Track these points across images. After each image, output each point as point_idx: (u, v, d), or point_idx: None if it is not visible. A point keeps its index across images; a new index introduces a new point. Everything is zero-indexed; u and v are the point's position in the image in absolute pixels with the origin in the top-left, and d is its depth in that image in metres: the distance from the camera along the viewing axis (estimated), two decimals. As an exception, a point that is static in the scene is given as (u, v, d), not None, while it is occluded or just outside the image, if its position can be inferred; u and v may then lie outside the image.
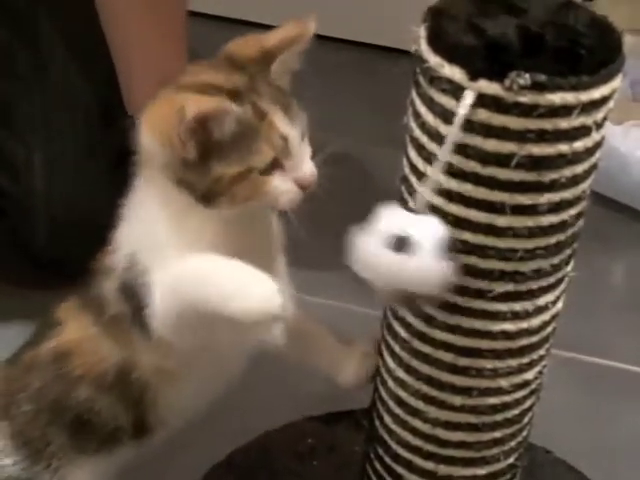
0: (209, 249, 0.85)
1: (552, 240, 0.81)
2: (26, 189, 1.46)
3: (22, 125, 1.46)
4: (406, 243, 0.75)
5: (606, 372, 1.48)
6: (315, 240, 1.65)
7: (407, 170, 0.83)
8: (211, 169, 0.81)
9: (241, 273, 0.82)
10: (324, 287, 1.54)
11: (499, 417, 0.91)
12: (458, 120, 0.74)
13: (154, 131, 0.83)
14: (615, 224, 1.76)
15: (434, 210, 0.80)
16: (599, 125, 0.76)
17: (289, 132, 0.83)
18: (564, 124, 0.74)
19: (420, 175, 0.80)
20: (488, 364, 0.87)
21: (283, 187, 0.83)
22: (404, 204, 0.84)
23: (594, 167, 0.80)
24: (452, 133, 0.74)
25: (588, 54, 0.75)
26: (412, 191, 0.82)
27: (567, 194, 0.78)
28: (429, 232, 0.76)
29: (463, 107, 0.73)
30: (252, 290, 0.81)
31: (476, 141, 0.75)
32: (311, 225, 1.69)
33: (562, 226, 0.80)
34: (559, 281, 0.85)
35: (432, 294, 0.78)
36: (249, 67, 0.85)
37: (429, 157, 0.79)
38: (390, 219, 0.77)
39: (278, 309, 0.80)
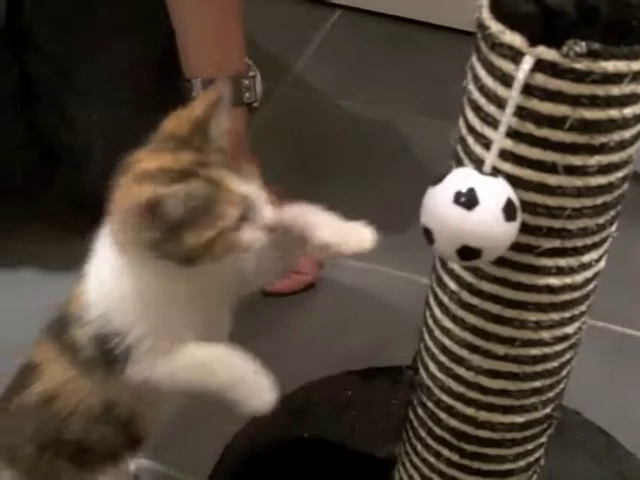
0: (184, 303, 0.94)
1: (599, 200, 0.85)
2: (85, 143, 1.52)
3: (85, 86, 1.51)
4: (470, 199, 0.80)
5: (634, 341, 1.53)
6: (355, 205, 1.72)
7: (464, 131, 0.88)
8: (185, 240, 0.88)
9: (243, 373, 0.96)
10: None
11: (539, 368, 0.95)
12: (517, 84, 0.79)
13: (122, 221, 0.90)
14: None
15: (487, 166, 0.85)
16: (648, 93, 0.81)
17: (246, 189, 0.90)
18: (615, 91, 0.78)
19: (478, 135, 0.85)
20: (532, 316, 0.91)
21: (252, 237, 0.91)
22: (459, 163, 0.89)
23: (641, 133, 0.84)
24: (513, 96, 0.79)
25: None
26: (469, 150, 0.87)
27: (615, 157, 0.83)
28: (495, 191, 0.81)
29: (522, 72, 0.78)
30: (254, 395, 0.96)
31: (532, 104, 0.80)
32: (351, 191, 1.75)
33: (609, 187, 0.85)
34: (603, 240, 0.89)
35: (494, 251, 0.83)
36: (192, 140, 0.92)
37: (486, 118, 0.84)
38: (460, 176, 0.82)
39: (272, 406, 0.95)
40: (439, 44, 2.12)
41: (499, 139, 0.82)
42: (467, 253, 0.82)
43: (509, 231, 0.82)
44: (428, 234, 0.84)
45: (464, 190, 0.80)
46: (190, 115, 0.93)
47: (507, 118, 0.81)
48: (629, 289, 1.62)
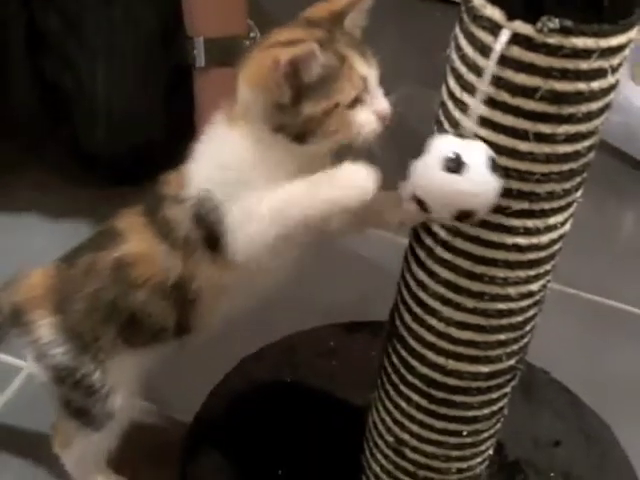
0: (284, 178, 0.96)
1: (565, 167, 0.91)
2: (89, 95, 1.57)
3: (90, 38, 1.56)
4: (458, 164, 0.86)
5: (607, 311, 1.60)
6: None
7: (445, 97, 0.94)
8: (303, 110, 0.93)
9: (333, 176, 0.95)
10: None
11: (505, 321, 1.01)
12: (495, 55, 0.85)
13: (252, 83, 0.95)
14: (630, 178, 1.86)
15: (467, 132, 0.91)
16: (614, 69, 0.86)
17: (367, 72, 0.95)
18: (584, 65, 0.84)
19: (457, 101, 0.91)
20: (500, 273, 0.97)
21: (366, 119, 0.95)
22: (440, 126, 0.95)
23: (607, 106, 0.90)
24: (490, 66, 0.85)
25: (610, 7, 0.84)
26: (448, 115, 0.94)
27: (582, 127, 0.89)
28: (478, 152, 0.87)
29: (499, 43, 0.84)
30: (355, 184, 0.94)
31: (507, 74, 0.85)
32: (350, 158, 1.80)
33: (575, 155, 0.91)
34: (569, 205, 0.95)
35: (481, 210, 0.89)
36: (324, 24, 0.97)
37: (466, 86, 0.90)
38: (443, 144, 0.88)
39: (374, 181, 0.93)
40: (438, 14, 2.17)
41: (477, 105, 0.88)
42: (463, 215, 0.89)
43: (496, 185, 0.88)
44: (421, 204, 0.90)
45: (451, 157, 0.86)
46: (330, 7, 0.98)
47: (484, 85, 0.87)
48: (604, 260, 1.69)
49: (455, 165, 0.87)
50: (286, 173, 0.96)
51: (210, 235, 1.00)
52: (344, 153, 0.98)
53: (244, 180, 0.97)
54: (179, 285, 1.03)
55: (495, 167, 0.88)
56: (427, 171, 0.88)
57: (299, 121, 0.93)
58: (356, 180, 0.94)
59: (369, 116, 0.95)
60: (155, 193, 1.04)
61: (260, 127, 0.96)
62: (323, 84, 0.92)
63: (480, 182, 0.88)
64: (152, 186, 1.06)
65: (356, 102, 0.94)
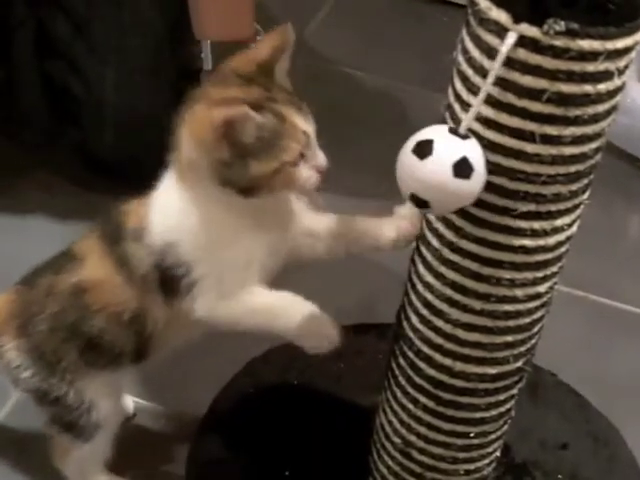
0: (246, 233, 1.01)
1: (572, 169, 0.91)
2: (97, 99, 1.58)
3: (99, 42, 1.57)
4: (427, 150, 0.86)
5: (614, 312, 1.60)
6: (351, 170, 1.78)
7: (452, 98, 0.94)
8: (250, 168, 0.95)
9: (309, 317, 1.04)
10: (367, 214, 1.67)
11: (511, 323, 1.01)
12: (501, 56, 0.85)
13: (194, 141, 0.97)
14: (638, 180, 1.86)
15: (472, 134, 0.92)
16: (621, 72, 0.86)
17: (307, 128, 0.98)
18: (590, 67, 0.84)
19: (463, 103, 0.92)
20: (507, 274, 0.97)
21: (308, 175, 0.99)
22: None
23: (614, 108, 0.90)
24: (495, 67, 0.86)
25: (617, 10, 0.85)
26: (455, 117, 0.94)
27: (588, 129, 0.89)
28: (453, 147, 0.87)
29: (506, 46, 0.85)
30: (320, 335, 1.05)
31: (514, 76, 0.86)
32: (351, 157, 1.81)
33: (582, 157, 0.91)
34: (575, 206, 0.96)
35: (443, 205, 0.90)
36: (258, 79, 0.98)
37: (472, 88, 0.90)
38: (429, 131, 0.89)
39: (335, 344, 1.04)
40: (445, 18, 2.17)
41: (477, 104, 0.88)
42: (417, 201, 0.89)
43: (459, 188, 0.87)
44: (420, 201, 0.89)
45: (423, 140, 0.87)
46: (256, 57, 0.99)
47: (487, 86, 0.87)
48: (611, 262, 1.69)
49: (421, 149, 0.87)
50: (242, 226, 1.01)
51: (167, 283, 1.04)
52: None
53: (205, 243, 1.01)
54: (135, 316, 1.07)
55: (464, 169, 0.88)
56: (435, 175, 0.88)
57: (247, 177, 0.96)
58: (322, 334, 1.05)
59: (310, 172, 0.99)
60: (115, 222, 1.07)
61: (206, 182, 0.98)
62: (268, 144, 0.95)
63: (438, 175, 0.88)
64: (111, 211, 1.09)
65: (299, 158, 0.98)
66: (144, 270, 1.04)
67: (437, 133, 0.89)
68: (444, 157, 0.87)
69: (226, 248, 1.01)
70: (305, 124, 0.98)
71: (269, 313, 1.04)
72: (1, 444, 1.33)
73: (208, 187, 0.98)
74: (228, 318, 1.04)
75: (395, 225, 1.07)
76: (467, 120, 0.89)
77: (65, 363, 1.09)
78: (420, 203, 0.89)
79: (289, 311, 1.04)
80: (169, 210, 1.03)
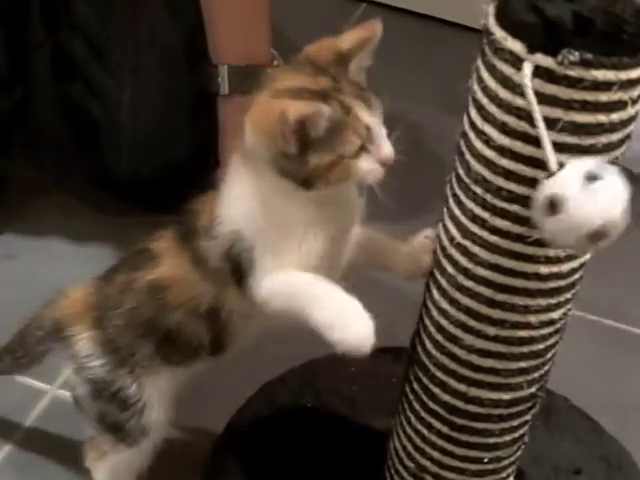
0: (305, 225, 1.00)
1: (587, 197, 0.92)
2: (114, 120, 1.59)
3: (115, 63, 1.58)
4: (595, 176, 0.82)
5: (626, 336, 1.60)
6: (369, 195, 1.79)
7: (467, 127, 0.95)
8: (309, 160, 0.95)
9: (346, 307, 0.99)
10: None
11: (526, 349, 1.02)
12: (528, 89, 0.84)
13: (259, 132, 0.96)
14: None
15: (487, 162, 0.93)
16: (634, 101, 0.87)
17: (371, 122, 0.97)
18: (604, 97, 0.85)
19: (479, 132, 0.93)
20: (521, 301, 0.98)
21: (369, 167, 0.98)
22: (461, 156, 0.96)
23: (627, 137, 0.91)
24: (533, 102, 0.85)
25: (630, 40, 0.85)
26: (470, 145, 0.95)
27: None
28: (587, 162, 0.83)
29: (527, 77, 0.85)
30: (352, 328, 0.98)
31: (529, 105, 0.87)
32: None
33: (596, 184, 0.92)
34: (590, 234, 0.97)
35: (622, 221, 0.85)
36: (330, 69, 0.98)
37: (487, 116, 0.91)
38: (563, 185, 0.83)
39: (368, 349, 0.98)
40: (461, 42, 2.18)
41: (546, 139, 0.86)
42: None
43: (554, 225, 0.84)
44: (599, 234, 0.84)
45: (587, 175, 0.83)
46: (336, 46, 0.99)
47: (542, 126, 0.85)
48: (624, 286, 1.69)
49: (595, 178, 0.82)
50: (301, 214, 1.00)
51: (237, 271, 1.04)
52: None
53: (271, 228, 1.01)
54: (212, 309, 1.07)
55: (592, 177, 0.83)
56: (583, 205, 0.83)
57: (305, 170, 0.96)
58: (357, 333, 0.98)
59: (372, 164, 0.97)
60: (188, 221, 1.07)
61: (267, 171, 0.98)
62: (329, 136, 0.94)
63: (612, 192, 0.84)
64: (184, 212, 1.09)
65: (360, 151, 0.97)
66: (216, 262, 1.04)
67: (547, 186, 0.85)
68: (571, 191, 0.83)
69: (283, 232, 1.01)
70: (369, 117, 0.97)
71: (306, 295, 1.01)
72: (32, 446, 1.35)
73: (269, 175, 0.98)
74: (276, 296, 1.02)
75: (411, 253, 1.07)
76: (550, 155, 0.86)
77: (138, 357, 1.10)
78: (599, 236, 0.85)
79: (327, 296, 1.00)
80: (233, 199, 1.03)
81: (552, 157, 0.85)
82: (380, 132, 0.98)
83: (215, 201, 1.05)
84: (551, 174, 0.85)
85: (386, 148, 0.98)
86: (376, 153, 0.97)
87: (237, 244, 1.02)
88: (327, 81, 0.97)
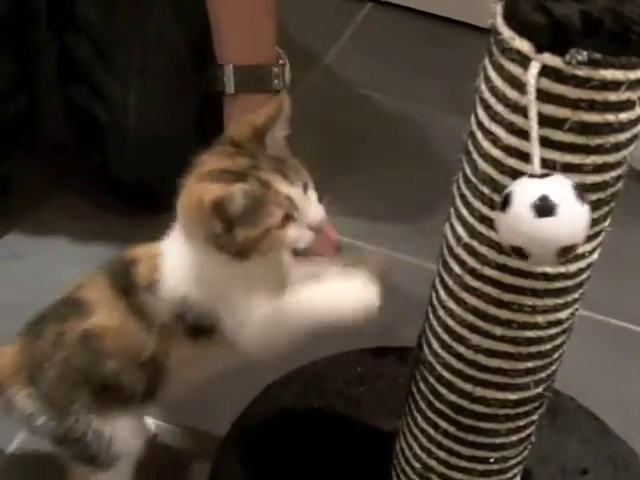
0: (258, 282, 1.04)
1: (593, 197, 0.91)
2: (119, 122, 1.59)
3: (120, 66, 1.58)
4: (549, 206, 0.82)
5: (634, 336, 1.60)
6: (374, 194, 1.79)
7: (474, 126, 0.95)
8: (237, 236, 0.99)
9: (337, 290, 1.06)
10: (384, 238, 1.68)
11: (533, 349, 1.02)
12: (531, 88, 0.85)
13: (187, 216, 1.02)
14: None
15: (494, 162, 0.92)
16: (643, 101, 0.87)
17: (290, 192, 1.01)
18: (612, 97, 0.85)
19: (486, 132, 0.92)
20: (528, 301, 0.97)
21: (297, 235, 1.02)
22: (469, 155, 0.96)
23: (635, 137, 0.90)
24: (531, 101, 0.85)
25: (638, 39, 0.85)
26: (477, 145, 0.95)
27: (610, 158, 0.89)
28: (562, 188, 0.84)
29: (532, 76, 0.85)
30: (354, 299, 1.04)
31: (536, 105, 0.86)
32: (372, 181, 1.82)
33: (603, 185, 0.91)
34: (597, 234, 0.96)
35: (581, 240, 0.85)
36: (248, 146, 1.03)
37: (494, 116, 0.91)
38: (524, 190, 0.84)
39: (376, 299, 1.04)
40: (466, 42, 2.18)
41: (534, 141, 0.86)
42: (518, 253, 0.86)
43: (546, 227, 0.84)
44: (519, 252, 0.86)
45: (538, 201, 0.83)
46: (252, 123, 1.05)
47: (534, 122, 0.86)
48: (631, 286, 1.69)
49: (546, 208, 0.83)
50: (255, 282, 1.05)
51: (196, 329, 1.07)
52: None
53: (218, 292, 1.05)
54: (151, 359, 1.08)
55: (581, 195, 0.84)
56: (519, 221, 0.84)
57: (236, 244, 1.00)
58: (364, 299, 1.04)
59: (300, 231, 1.02)
60: (125, 271, 1.09)
61: (204, 246, 1.02)
62: (251, 212, 0.99)
63: (574, 215, 0.84)
64: (117, 259, 1.11)
65: (286, 220, 1.01)
66: (164, 320, 1.07)
67: (516, 182, 0.86)
68: (522, 201, 0.84)
69: (238, 288, 1.05)
70: (289, 188, 1.01)
71: (314, 301, 1.06)
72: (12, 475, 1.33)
73: (205, 250, 1.03)
74: (280, 331, 1.06)
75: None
76: (536, 159, 0.86)
77: (77, 406, 1.11)
78: (520, 253, 0.86)
79: (326, 289, 1.06)
80: (179, 264, 1.06)
81: (537, 159, 0.86)
82: (303, 200, 1.02)
83: (153, 254, 1.08)
84: (532, 175, 0.85)
85: (312, 214, 1.03)
86: (303, 220, 1.02)
87: (190, 309, 1.05)
88: (245, 160, 1.01)
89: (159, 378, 1.10)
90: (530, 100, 0.86)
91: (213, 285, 1.05)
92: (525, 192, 0.85)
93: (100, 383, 1.09)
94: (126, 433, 1.14)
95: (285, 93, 1.44)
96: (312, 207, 1.03)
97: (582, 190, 0.84)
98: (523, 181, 0.86)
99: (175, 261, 1.07)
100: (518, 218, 0.84)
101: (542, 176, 0.85)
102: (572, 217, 0.84)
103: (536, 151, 0.86)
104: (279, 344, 1.06)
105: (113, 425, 1.12)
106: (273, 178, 1.01)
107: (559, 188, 0.84)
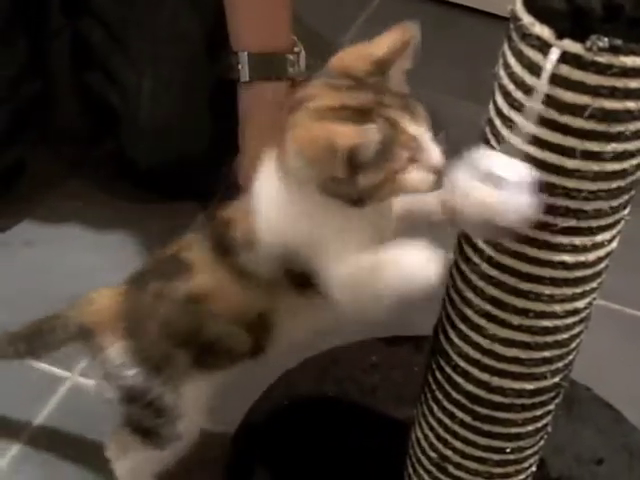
0: (358, 235, 0.97)
1: (613, 185, 0.91)
2: (133, 109, 1.58)
3: (134, 52, 1.57)
4: (499, 180, 0.86)
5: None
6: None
7: (493, 113, 0.94)
8: (359, 182, 0.91)
9: (401, 257, 0.96)
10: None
11: (550, 339, 1.01)
12: (546, 73, 0.85)
13: (305, 158, 0.91)
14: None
15: (512, 149, 0.91)
16: (664, 88, 0.86)
17: (418, 132, 0.93)
18: (633, 84, 0.84)
19: (505, 118, 0.92)
20: (546, 290, 0.97)
21: (419, 178, 0.93)
22: (487, 143, 0.95)
23: (656, 125, 0.90)
24: (542, 85, 0.85)
25: (660, 26, 0.85)
26: (495, 132, 0.94)
27: (630, 145, 0.88)
28: (518, 172, 0.87)
29: (550, 62, 0.84)
30: (417, 270, 0.95)
31: (556, 92, 0.85)
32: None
33: (623, 173, 0.90)
34: (616, 222, 0.95)
35: (516, 226, 0.88)
36: (368, 80, 0.93)
37: (514, 103, 0.90)
38: (486, 159, 0.89)
39: (439, 269, 0.94)
40: (481, 28, 2.17)
41: (526, 124, 0.88)
42: (495, 230, 0.89)
43: (533, 206, 0.88)
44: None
45: (494, 173, 0.87)
46: (372, 54, 0.94)
47: (536, 104, 0.87)
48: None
49: (495, 181, 0.87)
50: (360, 229, 0.97)
51: (301, 279, 1.00)
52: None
53: (324, 240, 0.97)
54: (258, 317, 1.04)
55: (532, 188, 0.88)
56: (468, 183, 0.89)
57: (356, 191, 0.92)
58: (422, 269, 0.94)
59: (423, 174, 0.93)
60: (220, 231, 1.04)
61: (312, 191, 0.94)
62: (379, 156, 0.90)
63: (515, 199, 0.88)
64: (213, 220, 1.06)
65: (409, 162, 0.92)
66: (266, 274, 1.01)
67: (501, 162, 0.89)
68: (519, 185, 0.87)
69: (339, 240, 0.97)
70: (416, 128, 0.93)
71: (374, 270, 0.97)
72: (50, 436, 1.35)
73: (314, 196, 0.94)
74: (346, 287, 0.98)
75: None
76: (518, 140, 0.88)
77: (175, 367, 1.08)
78: (496, 231, 0.89)
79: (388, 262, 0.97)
80: (277, 216, 0.99)
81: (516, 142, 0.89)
82: (427, 140, 0.94)
83: (247, 211, 1.01)
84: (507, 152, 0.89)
85: (434, 155, 0.93)
86: (425, 162, 0.93)
87: (294, 260, 0.99)
88: (369, 95, 0.92)
89: (266, 335, 1.05)
90: (542, 84, 0.85)
91: (314, 233, 0.96)
92: (486, 160, 0.89)
93: (204, 346, 1.06)
94: (196, 413, 1.12)
95: (300, 79, 1.43)
96: (433, 148, 0.93)
97: (538, 186, 0.88)
98: (490, 152, 0.90)
99: (273, 211, 0.99)
100: (468, 180, 0.89)
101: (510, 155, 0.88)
102: (515, 201, 0.87)
103: (527, 136, 0.88)
104: (367, 302, 0.98)
105: (191, 399, 1.10)
106: (401, 116, 0.91)
107: (519, 172, 0.87)
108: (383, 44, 0.94)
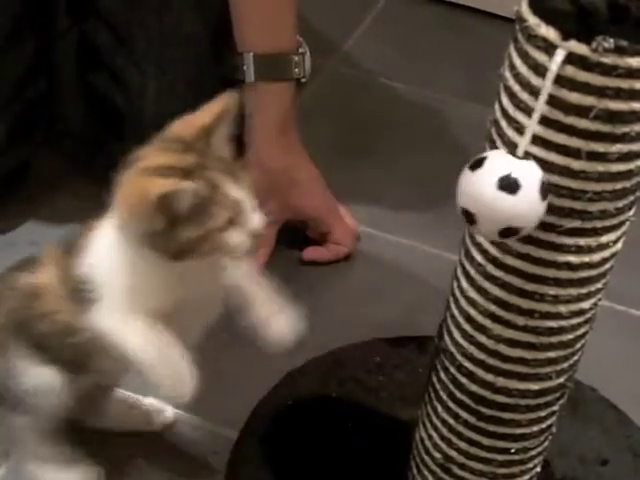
0: (164, 296, 1.04)
1: (618, 186, 0.91)
2: (138, 110, 1.59)
3: (140, 53, 1.57)
4: (513, 184, 0.86)
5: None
6: (394, 182, 1.79)
7: (498, 114, 0.94)
8: (178, 235, 0.96)
9: (175, 361, 1.04)
10: (403, 227, 1.67)
11: (555, 339, 1.01)
12: (550, 74, 0.85)
13: (127, 212, 0.98)
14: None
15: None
16: (669, 89, 0.87)
17: (238, 195, 0.98)
18: (639, 85, 0.84)
19: (510, 120, 0.92)
20: (551, 291, 0.97)
21: (238, 240, 0.99)
22: (493, 144, 0.96)
23: (661, 126, 0.90)
24: (546, 85, 0.85)
25: (666, 27, 0.85)
26: (501, 133, 0.94)
27: (635, 146, 0.88)
28: (531, 175, 0.87)
29: (555, 63, 0.84)
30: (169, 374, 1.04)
31: (561, 93, 0.85)
32: (391, 168, 1.81)
33: (628, 174, 0.90)
34: (621, 223, 0.95)
35: (526, 229, 0.88)
36: (195, 144, 0.99)
37: (519, 104, 0.90)
38: (497, 161, 0.88)
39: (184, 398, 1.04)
40: (486, 30, 2.17)
41: (533, 125, 0.88)
42: (467, 216, 0.88)
43: (503, 202, 0.87)
44: (469, 216, 0.88)
45: (506, 176, 0.86)
46: (197, 122, 1.01)
47: (540, 106, 0.87)
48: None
49: (509, 184, 0.86)
50: (166, 281, 1.03)
51: (82, 305, 1.06)
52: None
53: (118, 286, 1.04)
54: (69, 332, 1.09)
55: (545, 191, 0.88)
56: (480, 186, 0.88)
57: (175, 244, 0.97)
58: (179, 384, 1.04)
59: (241, 237, 0.99)
60: (76, 236, 1.10)
61: (136, 243, 1.00)
62: (196, 212, 0.96)
63: (530, 204, 0.87)
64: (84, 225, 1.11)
65: (229, 224, 0.98)
66: (75, 284, 1.07)
67: (494, 152, 0.89)
68: (491, 170, 0.87)
69: (137, 292, 1.04)
70: (237, 191, 0.99)
71: (137, 337, 1.04)
72: None
73: (138, 248, 1.00)
74: (113, 331, 1.05)
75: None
76: (524, 143, 0.88)
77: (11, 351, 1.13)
78: (469, 218, 0.88)
79: (152, 345, 1.04)
80: (102, 242, 1.06)
81: (526, 142, 0.88)
82: (248, 205, 0.99)
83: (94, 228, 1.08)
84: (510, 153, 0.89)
85: (255, 220, 1.00)
86: (244, 225, 0.99)
87: (89, 274, 1.05)
88: (193, 158, 0.98)
89: (82, 350, 1.10)
90: (545, 85, 0.85)
91: (122, 274, 1.04)
92: (497, 164, 0.87)
93: (35, 339, 1.11)
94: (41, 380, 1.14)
95: (305, 81, 1.43)
96: (256, 213, 1.00)
97: (548, 188, 0.88)
98: (501, 153, 0.89)
99: (100, 243, 1.06)
100: (482, 182, 0.87)
101: (520, 158, 0.88)
102: (529, 204, 0.87)
103: (528, 135, 0.87)
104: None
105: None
106: (222, 179, 0.98)
107: (529, 174, 0.87)
108: (206, 113, 1.02)
